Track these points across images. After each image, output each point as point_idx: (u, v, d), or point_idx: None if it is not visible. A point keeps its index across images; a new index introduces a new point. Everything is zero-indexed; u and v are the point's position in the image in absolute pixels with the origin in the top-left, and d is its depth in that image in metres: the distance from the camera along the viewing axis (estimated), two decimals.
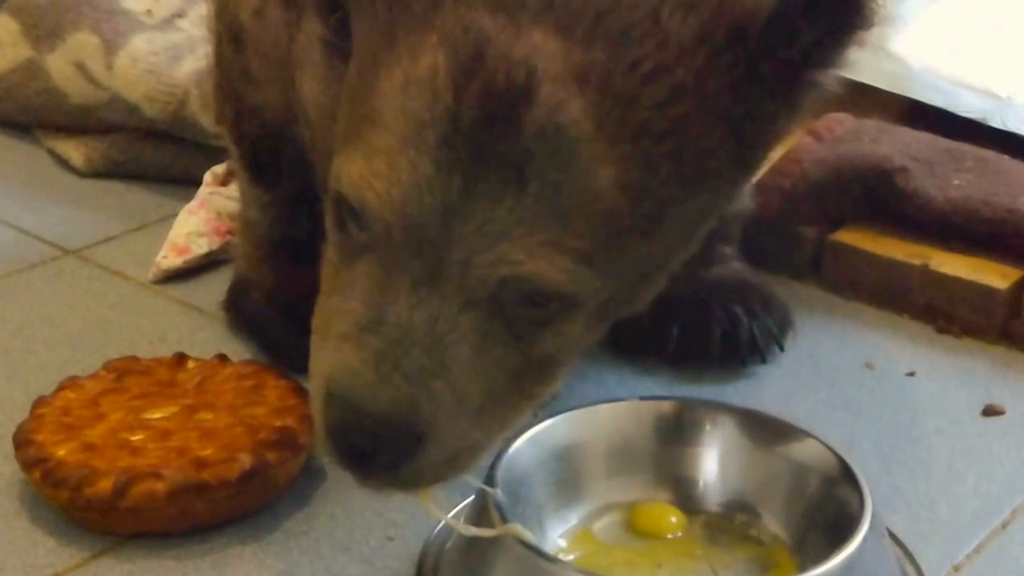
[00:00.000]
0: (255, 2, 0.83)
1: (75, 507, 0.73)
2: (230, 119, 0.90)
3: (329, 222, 0.57)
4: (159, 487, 0.72)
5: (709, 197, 0.56)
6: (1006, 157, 1.01)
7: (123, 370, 0.83)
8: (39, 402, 0.80)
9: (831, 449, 0.70)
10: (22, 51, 1.20)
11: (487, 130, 0.51)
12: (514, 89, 0.51)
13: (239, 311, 0.93)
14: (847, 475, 0.68)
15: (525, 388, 0.58)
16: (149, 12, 1.19)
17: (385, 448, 0.55)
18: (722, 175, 0.55)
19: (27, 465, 0.75)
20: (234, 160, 0.94)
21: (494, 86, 0.51)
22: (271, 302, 0.90)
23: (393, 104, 0.52)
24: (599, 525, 0.72)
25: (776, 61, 0.53)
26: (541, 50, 0.51)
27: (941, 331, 0.94)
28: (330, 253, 0.59)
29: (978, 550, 0.74)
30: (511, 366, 0.56)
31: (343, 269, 0.57)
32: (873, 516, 0.65)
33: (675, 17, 0.52)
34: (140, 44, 1.15)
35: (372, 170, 0.53)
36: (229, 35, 0.87)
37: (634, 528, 0.71)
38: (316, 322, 0.59)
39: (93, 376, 0.83)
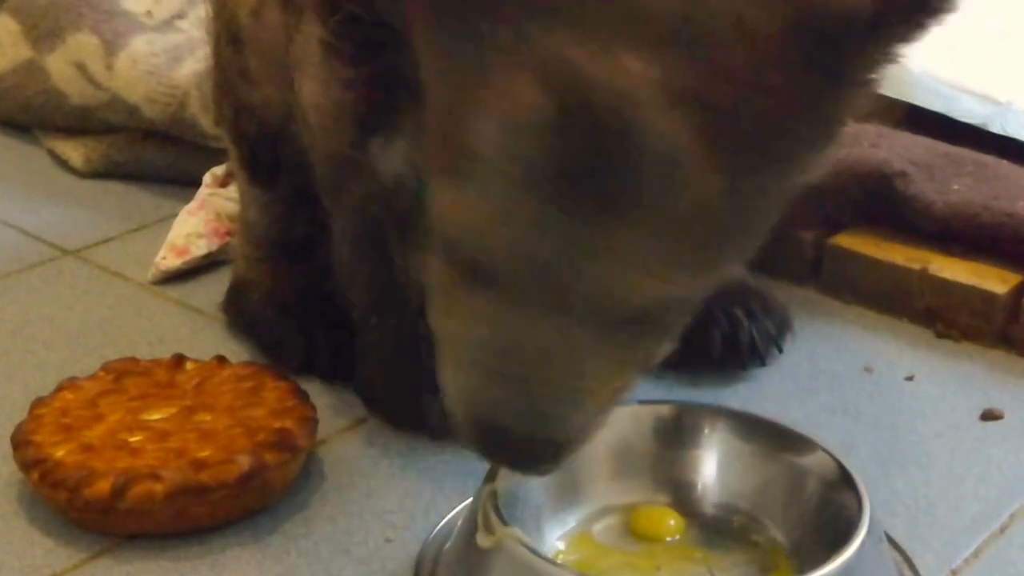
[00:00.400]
0: (253, 2, 0.83)
1: (73, 508, 0.73)
2: (229, 119, 0.90)
3: (434, 257, 0.58)
4: (157, 488, 0.72)
5: (792, 188, 0.57)
6: (1005, 162, 1.01)
7: (122, 371, 0.83)
8: (38, 403, 0.80)
9: (829, 453, 0.70)
10: (22, 51, 1.20)
11: (597, 165, 0.51)
12: (617, 122, 0.50)
13: (238, 312, 0.93)
14: (845, 479, 0.68)
15: (632, 381, 0.61)
16: (149, 13, 1.19)
17: (532, 459, 0.59)
18: (805, 167, 0.55)
19: (25, 466, 0.75)
20: (233, 160, 0.94)
21: (597, 122, 0.50)
22: (270, 302, 0.90)
23: (495, 146, 0.52)
24: (598, 528, 0.72)
25: (865, 57, 0.53)
26: (637, 76, 0.49)
27: (940, 335, 0.94)
28: (437, 278, 0.59)
29: (976, 554, 0.74)
30: (631, 366, 0.58)
31: (461, 296, 0.57)
32: (871, 520, 0.65)
33: (761, 19, 0.50)
34: (140, 45, 1.15)
35: (487, 216, 0.53)
36: (227, 35, 0.87)
37: (633, 531, 0.71)
38: (440, 342, 0.60)
39: (92, 377, 0.83)
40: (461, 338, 0.58)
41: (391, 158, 0.76)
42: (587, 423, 0.59)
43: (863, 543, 0.64)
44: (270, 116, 0.84)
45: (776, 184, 0.54)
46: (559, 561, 0.67)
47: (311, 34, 0.75)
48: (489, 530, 0.65)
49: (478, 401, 0.58)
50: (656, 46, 0.49)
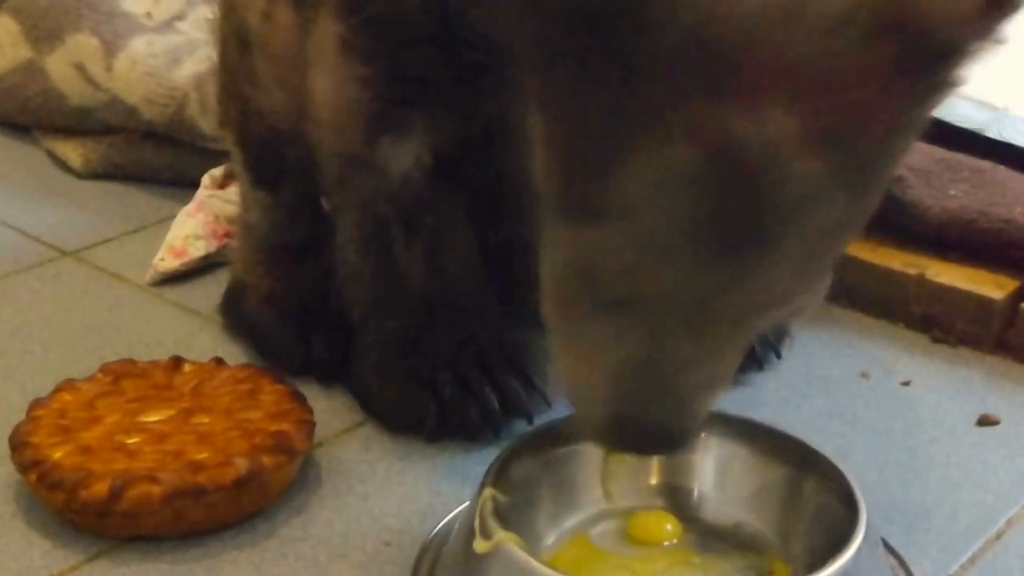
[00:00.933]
0: (263, 4, 0.83)
1: (71, 510, 0.73)
2: (235, 122, 0.90)
3: (569, 280, 0.61)
4: (155, 490, 0.72)
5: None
6: (1002, 168, 1.01)
7: (120, 373, 0.83)
8: (35, 404, 0.80)
9: (826, 458, 0.70)
10: (22, 52, 1.20)
11: (745, 210, 0.54)
12: (766, 172, 0.53)
13: (235, 314, 0.93)
14: (842, 484, 0.68)
15: None
16: (149, 14, 1.19)
17: (667, 445, 0.65)
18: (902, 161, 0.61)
19: (23, 467, 0.75)
20: (236, 163, 0.93)
21: (748, 174, 0.53)
22: (268, 305, 0.90)
23: (648, 198, 0.55)
24: (595, 532, 0.72)
25: (964, 63, 0.56)
26: (781, 127, 0.53)
27: (937, 341, 0.94)
28: (565, 304, 0.63)
29: (972, 560, 0.74)
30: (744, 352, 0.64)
31: (600, 318, 0.61)
32: (867, 526, 0.65)
33: (881, 52, 0.53)
34: (140, 46, 1.15)
35: (635, 258, 0.56)
36: (236, 38, 0.87)
37: (630, 535, 0.71)
38: (569, 354, 0.64)
39: (90, 378, 0.83)
40: (600, 351, 0.62)
41: (401, 157, 0.76)
42: (709, 407, 0.64)
43: (859, 549, 0.64)
44: (277, 120, 0.84)
45: (884, 186, 0.59)
46: (556, 565, 0.67)
47: (328, 30, 0.75)
48: (486, 535, 0.65)
49: (620, 402, 0.62)
50: (795, 96, 0.53)
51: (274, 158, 0.87)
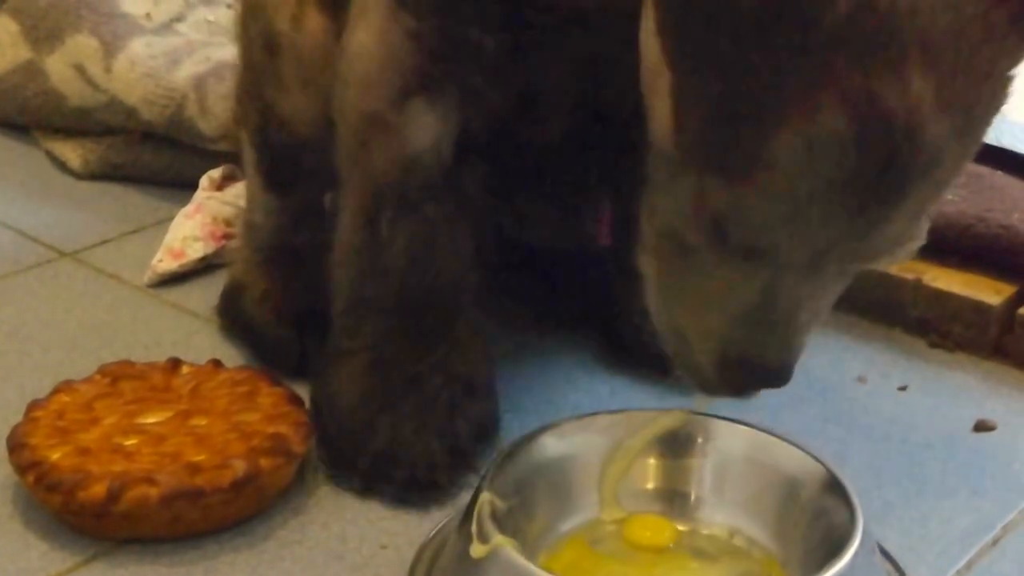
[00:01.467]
0: (292, 9, 0.83)
1: (68, 511, 0.73)
2: (254, 125, 0.90)
3: (696, 232, 0.64)
4: (152, 492, 0.72)
5: None
6: (1000, 173, 1.02)
7: (118, 374, 0.83)
8: (33, 405, 0.80)
9: (823, 463, 0.71)
10: (21, 52, 1.20)
11: (886, 176, 0.59)
12: (908, 137, 0.58)
13: (232, 314, 0.93)
14: (838, 490, 0.69)
15: None
16: (148, 16, 1.19)
17: (773, 381, 0.69)
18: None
19: (21, 469, 0.75)
20: (248, 164, 0.93)
21: (892, 139, 0.58)
22: (264, 305, 0.90)
23: (798, 160, 0.59)
24: (592, 536, 0.72)
25: None
26: (920, 95, 0.58)
27: (934, 346, 0.95)
28: (682, 248, 0.66)
29: (969, 566, 0.74)
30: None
31: (721, 265, 0.65)
32: (863, 532, 0.66)
33: (1000, 14, 0.59)
34: (139, 48, 1.15)
35: (776, 214, 0.60)
36: (262, 40, 0.86)
37: (627, 540, 0.71)
38: (678, 299, 0.68)
39: (88, 380, 0.83)
40: (717, 298, 0.66)
41: (424, 127, 0.75)
42: (807, 343, 0.67)
43: (855, 554, 0.64)
44: (299, 125, 0.84)
45: (984, 134, 0.63)
46: (553, 569, 0.67)
47: None
48: (483, 539, 0.65)
49: (733, 344, 0.66)
50: (931, 63, 0.58)
51: (290, 163, 0.87)
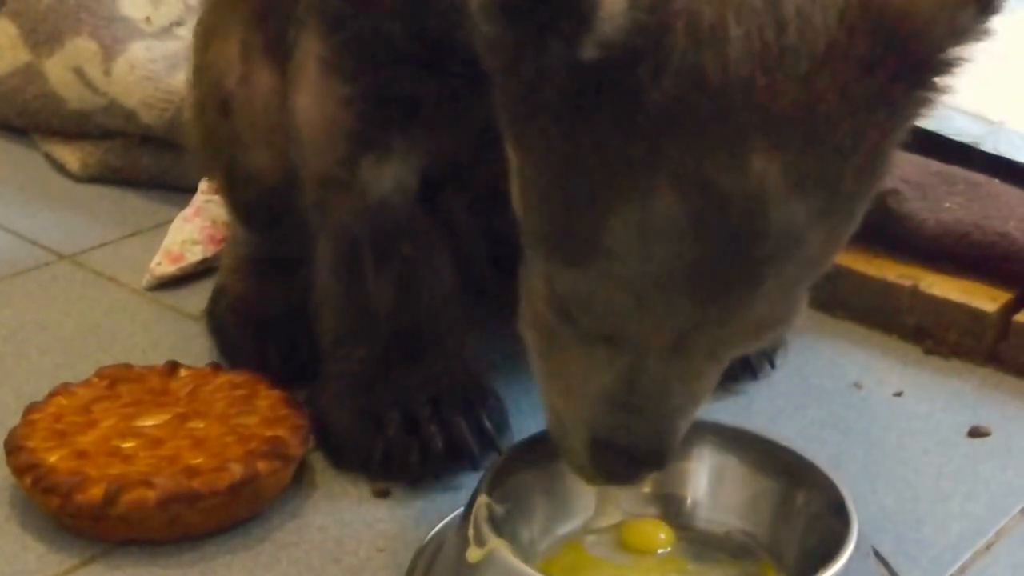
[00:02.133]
0: (240, 68, 0.83)
1: (66, 514, 0.73)
2: (221, 178, 0.90)
3: (551, 314, 0.62)
4: (150, 495, 0.72)
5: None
6: (997, 181, 1.02)
7: (116, 377, 0.83)
8: (31, 408, 0.80)
9: (818, 468, 0.71)
10: (21, 55, 1.20)
11: (731, 259, 0.55)
12: (749, 219, 0.54)
13: (213, 317, 0.93)
14: (834, 494, 0.69)
15: None
16: (148, 20, 1.19)
17: (644, 468, 0.65)
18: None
19: (18, 471, 0.75)
20: (225, 205, 0.93)
21: (732, 222, 0.54)
22: (234, 310, 0.90)
23: (632, 247, 0.56)
24: (589, 540, 0.72)
25: (944, 72, 0.57)
26: (763, 174, 0.54)
27: (930, 352, 0.95)
28: (548, 336, 0.64)
29: (962, 571, 0.74)
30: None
31: (582, 351, 0.62)
32: (859, 536, 0.66)
33: (864, 85, 0.54)
34: (138, 51, 1.15)
35: (621, 302, 0.57)
36: (214, 102, 0.86)
37: (624, 544, 0.72)
38: (549, 383, 0.66)
39: (85, 383, 0.83)
40: (580, 381, 0.63)
41: (381, 180, 0.75)
42: (685, 429, 0.64)
43: (850, 558, 0.64)
44: (264, 179, 0.84)
45: (862, 214, 0.59)
46: (550, 573, 0.67)
47: (309, 49, 0.74)
48: (480, 542, 0.65)
49: (599, 428, 0.63)
50: (775, 142, 0.54)
51: (262, 209, 0.86)
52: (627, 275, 0.56)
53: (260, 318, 0.88)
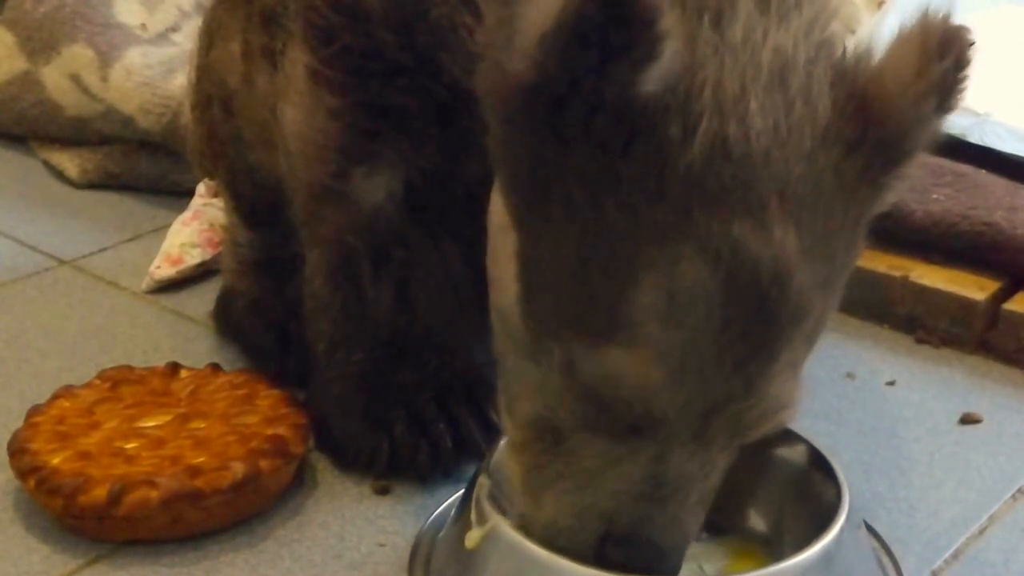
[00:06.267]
0: (242, 68, 0.82)
1: (70, 515, 0.73)
2: (224, 177, 0.90)
3: (573, 408, 0.59)
4: (153, 495, 0.72)
5: None
6: (983, 172, 1.02)
7: (117, 379, 0.83)
8: (34, 411, 0.80)
9: (808, 443, 0.71)
10: (18, 63, 1.20)
11: (758, 326, 0.55)
12: (776, 286, 0.55)
13: (226, 320, 0.93)
14: (824, 467, 0.69)
15: None
16: (143, 26, 1.19)
17: (669, 562, 0.61)
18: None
19: (22, 473, 0.75)
20: (225, 204, 0.93)
21: (759, 288, 0.54)
22: (253, 311, 0.90)
23: (660, 316, 0.55)
24: None
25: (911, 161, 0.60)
26: (786, 244, 0.55)
27: (920, 341, 0.95)
28: (566, 424, 0.60)
29: (956, 555, 0.74)
30: None
31: (594, 446, 0.59)
32: (850, 508, 0.66)
33: (852, 167, 0.57)
34: (135, 57, 1.15)
35: (653, 378, 0.56)
36: (219, 100, 0.85)
37: None
38: (562, 472, 0.61)
39: (87, 385, 0.83)
40: (598, 477, 0.60)
41: (372, 189, 0.75)
42: (699, 526, 0.62)
43: (842, 530, 0.65)
44: (266, 176, 0.83)
45: (842, 287, 0.60)
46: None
47: (298, 61, 0.74)
48: (482, 519, 0.65)
49: (621, 522, 0.60)
50: (789, 212, 0.55)
51: (265, 206, 0.86)
52: (657, 347, 0.55)
53: (279, 318, 0.88)
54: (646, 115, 0.54)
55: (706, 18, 0.55)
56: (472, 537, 0.65)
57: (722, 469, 0.61)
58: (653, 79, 0.53)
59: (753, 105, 0.54)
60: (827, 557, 0.64)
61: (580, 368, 0.57)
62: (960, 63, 0.58)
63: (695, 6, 0.55)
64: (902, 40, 0.58)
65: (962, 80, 0.58)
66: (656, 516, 0.59)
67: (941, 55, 0.57)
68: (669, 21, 0.52)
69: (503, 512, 0.65)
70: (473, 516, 0.66)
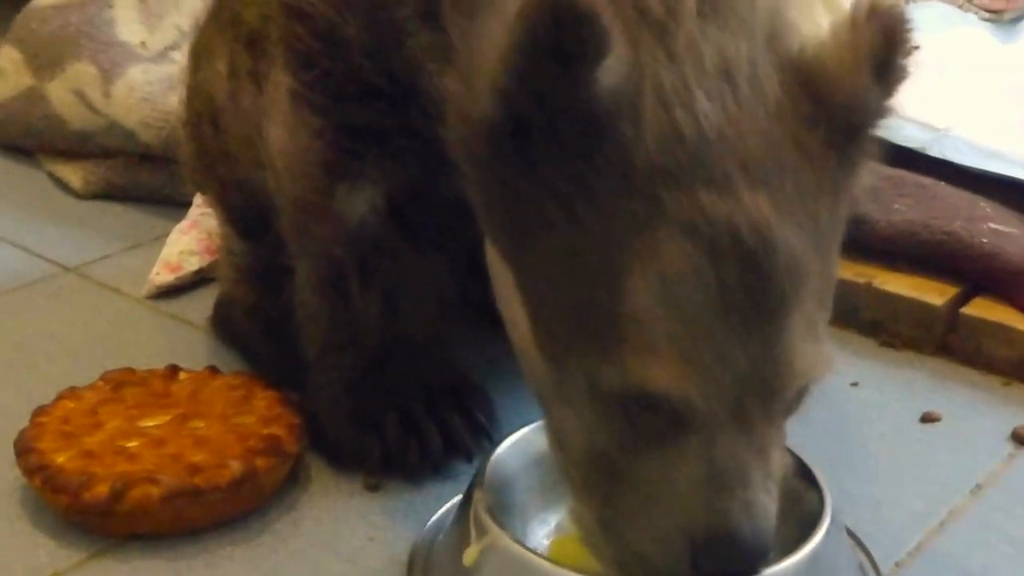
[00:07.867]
0: (228, 86, 0.82)
1: (74, 511, 0.73)
2: (215, 192, 0.90)
3: (607, 419, 0.58)
4: (154, 492, 0.72)
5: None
6: (943, 184, 1.03)
7: (120, 381, 0.83)
8: (40, 411, 0.80)
9: (789, 450, 0.71)
10: (24, 79, 1.20)
11: (755, 290, 0.55)
12: (760, 247, 0.54)
13: (225, 326, 0.93)
14: (805, 473, 0.69)
15: None
16: (144, 44, 1.19)
17: (761, 557, 0.60)
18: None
19: (28, 472, 0.75)
20: (218, 217, 0.92)
21: (745, 251, 0.54)
22: (252, 318, 0.90)
23: (659, 301, 0.54)
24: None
25: (871, 129, 0.60)
26: (758, 206, 0.55)
27: (884, 344, 0.96)
28: (617, 437, 0.58)
29: (918, 548, 0.75)
30: None
31: (645, 456, 0.58)
32: (833, 511, 0.66)
33: (809, 138, 0.57)
34: (136, 74, 1.15)
35: (676, 363, 0.55)
36: (208, 117, 0.85)
37: None
38: (629, 489, 0.59)
39: (91, 387, 0.83)
40: (661, 485, 0.58)
41: (356, 204, 0.75)
42: (774, 512, 0.59)
43: (828, 532, 0.65)
44: (255, 190, 0.83)
45: (837, 251, 0.60)
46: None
47: (280, 83, 0.74)
48: (480, 531, 0.65)
49: (697, 533, 0.57)
50: (758, 180, 0.55)
51: (258, 221, 0.85)
52: (666, 334, 0.54)
53: (275, 323, 0.88)
54: (602, 119, 0.55)
55: (650, 30, 0.56)
56: (470, 554, 0.65)
57: (778, 445, 0.59)
58: (607, 74, 0.54)
59: (698, 94, 0.55)
60: (815, 558, 0.64)
61: (603, 384, 0.56)
62: (889, 32, 0.57)
63: (638, 20, 0.56)
64: (840, 24, 0.58)
65: (894, 49, 0.58)
66: (727, 509, 0.57)
67: (870, 28, 0.57)
68: (610, 18, 0.54)
69: (501, 526, 0.65)
70: (472, 528, 0.66)
